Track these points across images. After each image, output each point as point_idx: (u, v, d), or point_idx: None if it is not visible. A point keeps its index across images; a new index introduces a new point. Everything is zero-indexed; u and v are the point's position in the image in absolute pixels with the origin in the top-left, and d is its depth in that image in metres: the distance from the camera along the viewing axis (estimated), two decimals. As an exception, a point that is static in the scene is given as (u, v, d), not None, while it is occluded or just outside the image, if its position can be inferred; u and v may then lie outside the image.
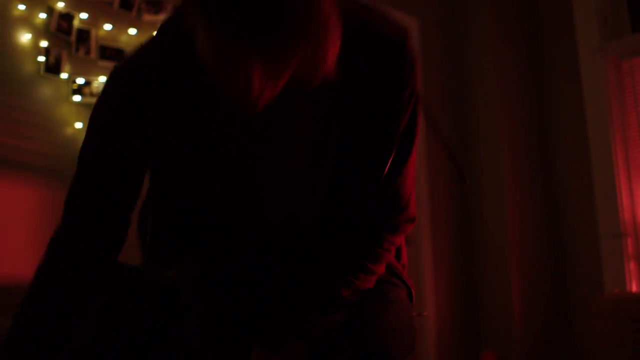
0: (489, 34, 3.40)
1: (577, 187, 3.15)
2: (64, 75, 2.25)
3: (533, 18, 3.52)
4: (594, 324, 2.44)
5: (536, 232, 3.31)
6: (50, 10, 2.25)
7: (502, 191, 3.24)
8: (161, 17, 2.49)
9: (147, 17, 2.46)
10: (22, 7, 2.20)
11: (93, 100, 2.28)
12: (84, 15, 2.32)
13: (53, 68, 2.23)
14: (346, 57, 0.92)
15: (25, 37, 2.20)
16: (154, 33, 1.02)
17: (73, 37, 2.28)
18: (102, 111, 1.02)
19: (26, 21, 2.21)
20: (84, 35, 2.31)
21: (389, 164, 1.02)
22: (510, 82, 3.42)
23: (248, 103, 0.85)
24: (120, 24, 2.41)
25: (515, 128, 3.37)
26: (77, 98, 2.26)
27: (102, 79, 2.32)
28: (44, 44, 2.22)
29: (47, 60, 2.21)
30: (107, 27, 2.37)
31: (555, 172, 3.34)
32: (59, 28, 2.25)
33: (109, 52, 2.36)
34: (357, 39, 0.95)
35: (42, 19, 2.23)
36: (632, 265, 2.79)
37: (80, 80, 2.27)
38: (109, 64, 2.35)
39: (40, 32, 2.23)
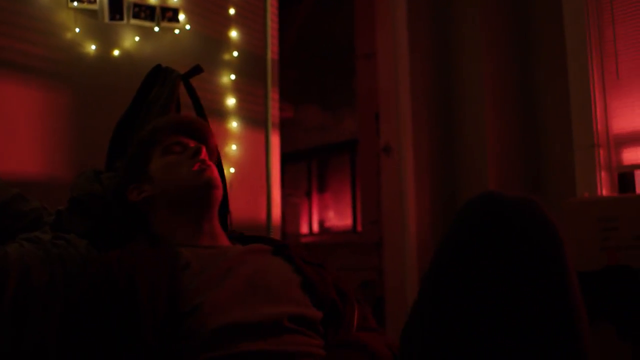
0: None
1: (553, 102, 3.29)
2: (62, -18, 2.35)
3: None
4: (564, 224, 2.61)
5: (514, 148, 3.44)
6: None
7: (482, 108, 3.35)
8: None
9: None
10: None
11: (90, 6, 2.40)
12: None
13: (51, -25, 2.33)
14: None
15: (24, -55, 2.29)
16: None
17: (70, -54, 2.38)
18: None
19: None
20: (80, -56, 2.40)
21: None
22: None
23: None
24: None
25: (495, 46, 3.44)
26: (74, 4, 2.37)
27: (99, -14, 2.43)
28: (42, -49, 2.31)
29: (45, -33, 2.31)
30: (102, -63, 2.46)
31: (534, 89, 3.44)
32: (56, -63, 2.34)
33: (104, -39, 2.46)
34: None
35: None
36: (603, 175, 2.95)
37: (78, -13, 2.38)
38: (105, -27, 2.45)
39: (38, -60, 2.32)
